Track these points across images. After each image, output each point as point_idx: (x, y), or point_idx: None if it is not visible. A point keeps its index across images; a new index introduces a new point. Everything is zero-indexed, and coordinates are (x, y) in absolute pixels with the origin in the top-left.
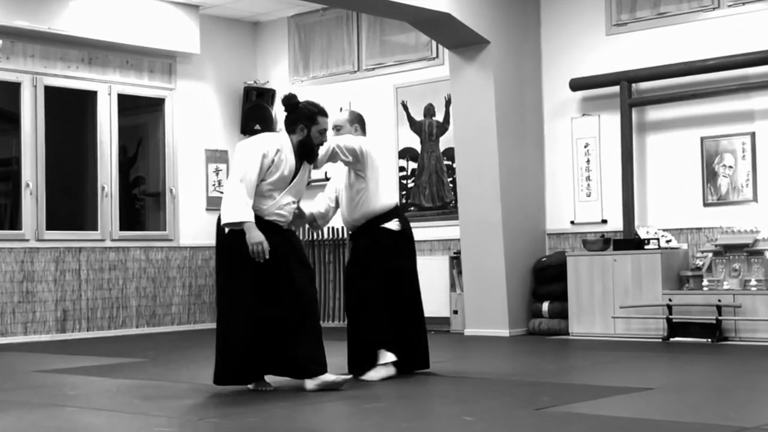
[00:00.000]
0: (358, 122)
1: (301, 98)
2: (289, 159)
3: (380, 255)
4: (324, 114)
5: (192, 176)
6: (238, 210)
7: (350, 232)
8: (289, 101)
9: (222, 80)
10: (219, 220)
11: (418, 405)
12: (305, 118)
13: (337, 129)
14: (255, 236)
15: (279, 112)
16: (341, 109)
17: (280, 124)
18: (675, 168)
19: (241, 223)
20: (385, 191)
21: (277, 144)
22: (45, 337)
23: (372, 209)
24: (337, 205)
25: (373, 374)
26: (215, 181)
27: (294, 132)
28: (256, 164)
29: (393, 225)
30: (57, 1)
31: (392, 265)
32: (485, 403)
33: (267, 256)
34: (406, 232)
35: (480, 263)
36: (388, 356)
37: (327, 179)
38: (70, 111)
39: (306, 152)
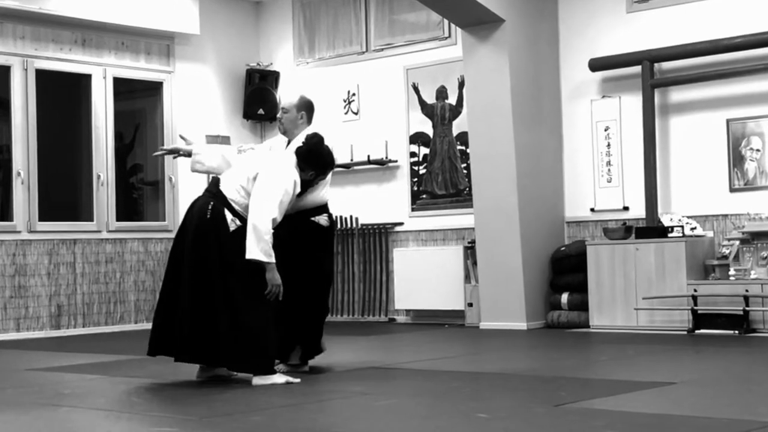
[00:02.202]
0: (305, 110)
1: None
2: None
3: (304, 248)
4: (333, 168)
5: None
6: (269, 251)
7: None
8: (318, 145)
9: (223, 62)
10: (213, 209)
11: (431, 402)
12: (320, 169)
13: (284, 111)
14: (277, 278)
15: (282, 95)
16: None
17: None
18: (700, 152)
19: (266, 263)
20: (322, 189)
21: (297, 185)
22: (38, 334)
23: (305, 205)
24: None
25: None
26: None
27: (303, 170)
28: (285, 206)
29: (322, 220)
30: None
31: (315, 260)
32: (501, 400)
33: (280, 299)
34: (332, 229)
35: (496, 253)
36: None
37: None
38: (63, 95)
39: (304, 188)
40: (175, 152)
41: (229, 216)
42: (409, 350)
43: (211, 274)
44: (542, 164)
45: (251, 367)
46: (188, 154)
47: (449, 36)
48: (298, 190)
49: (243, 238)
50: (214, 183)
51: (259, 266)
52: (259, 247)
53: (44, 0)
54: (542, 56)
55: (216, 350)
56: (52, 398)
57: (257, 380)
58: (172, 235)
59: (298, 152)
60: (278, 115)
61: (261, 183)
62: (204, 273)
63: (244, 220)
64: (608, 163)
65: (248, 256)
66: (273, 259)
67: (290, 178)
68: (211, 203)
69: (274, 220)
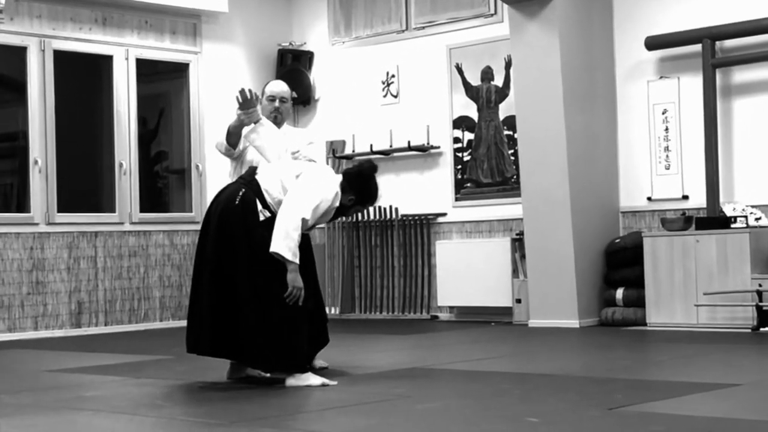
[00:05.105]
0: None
1: None
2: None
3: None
4: (372, 204)
5: None
6: (295, 250)
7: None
8: (370, 170)
9: (253, 42)
10: (243, 196)
11: (477, 405)
12: (362, 199)
13: (283, 101)
14: (299, 281)
15: (317, 77)
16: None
17: (319, 92)
18: (765, 136)
19: (289, 261)
20: None
21: (337, 200)
22: (58, 333)
23: None
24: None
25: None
26: None
27: (345, 193)
28: (319, 213)
29: None
30: None
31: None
32: (552, 403)
33: (300, 304)
34: None
35: (545, 246)
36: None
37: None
38: (82, 78)
39: (336, 213)
40: (252, 108)
41: (259, 205)
42: (453, 350)
43: (236, 264)
44: (595, 150)
45: (280, 365)
46: (248, 123)
47: (495, 13)
48: (337, 203)
49: (272, 229)
50: (250, 172)
51: (282, 262)
52: (284, 243)
53: None
54: (595, 34)
55: (239, 344)
56: (72, 401)
57: (291, 381)
58: (199, 227)
59: (347, 172)
60: (276, 105)
61: (301, 182)
62: (228, 262)
63: (274, 214)
64: (666, 149)
65: (272, 249)
66: (297, 260)
67: (332, 188)
68: (243, 190)
69: (304, 220)
